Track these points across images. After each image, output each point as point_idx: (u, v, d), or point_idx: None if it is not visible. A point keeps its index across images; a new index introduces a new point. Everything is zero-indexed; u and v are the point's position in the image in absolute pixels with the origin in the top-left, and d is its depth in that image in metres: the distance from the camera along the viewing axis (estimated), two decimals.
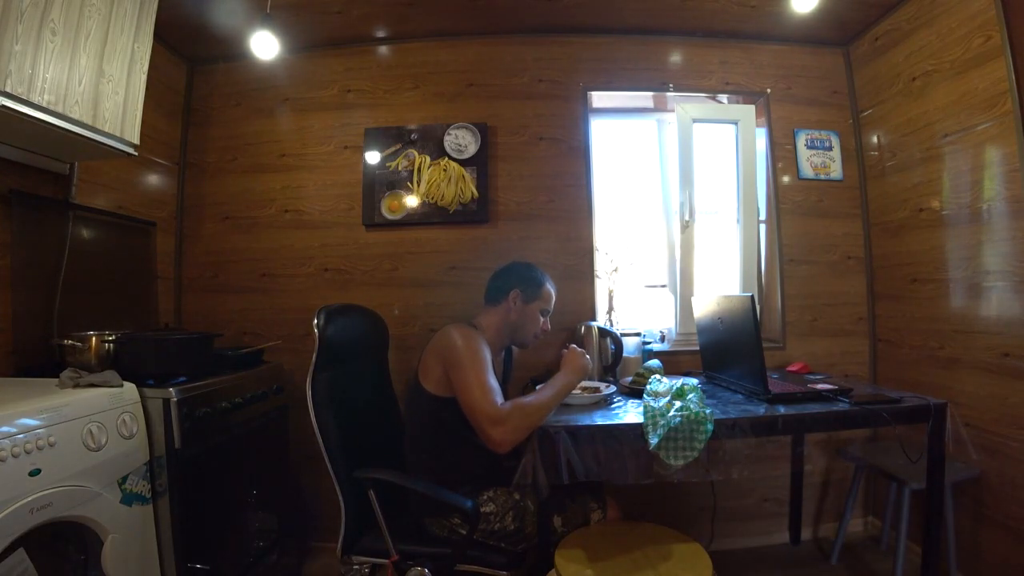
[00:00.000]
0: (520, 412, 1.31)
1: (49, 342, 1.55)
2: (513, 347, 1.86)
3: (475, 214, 2.20)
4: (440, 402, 1.44)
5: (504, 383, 1.73)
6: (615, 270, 2.26)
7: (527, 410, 1.32)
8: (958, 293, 1.85)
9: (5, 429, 0.99)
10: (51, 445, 1.07)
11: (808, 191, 2.28)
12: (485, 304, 1.67)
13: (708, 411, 1.30)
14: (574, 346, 1.57)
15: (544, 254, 2.20)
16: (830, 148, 2.30)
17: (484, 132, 2.23)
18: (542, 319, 1.66)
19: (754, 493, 2.24)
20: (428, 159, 2.21)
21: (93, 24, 1.40)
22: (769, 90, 2.30)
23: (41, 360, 1.53)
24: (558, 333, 2.15)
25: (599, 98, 2.33)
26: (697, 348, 1.98)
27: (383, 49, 2.31)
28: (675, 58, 2.31)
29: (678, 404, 1.32)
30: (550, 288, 1.68)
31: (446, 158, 2.21)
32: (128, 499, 1.27)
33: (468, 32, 2.26)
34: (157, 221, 2.12)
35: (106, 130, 1.47)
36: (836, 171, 2.30)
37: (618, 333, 1.94)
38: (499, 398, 1.34)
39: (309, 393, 1.41)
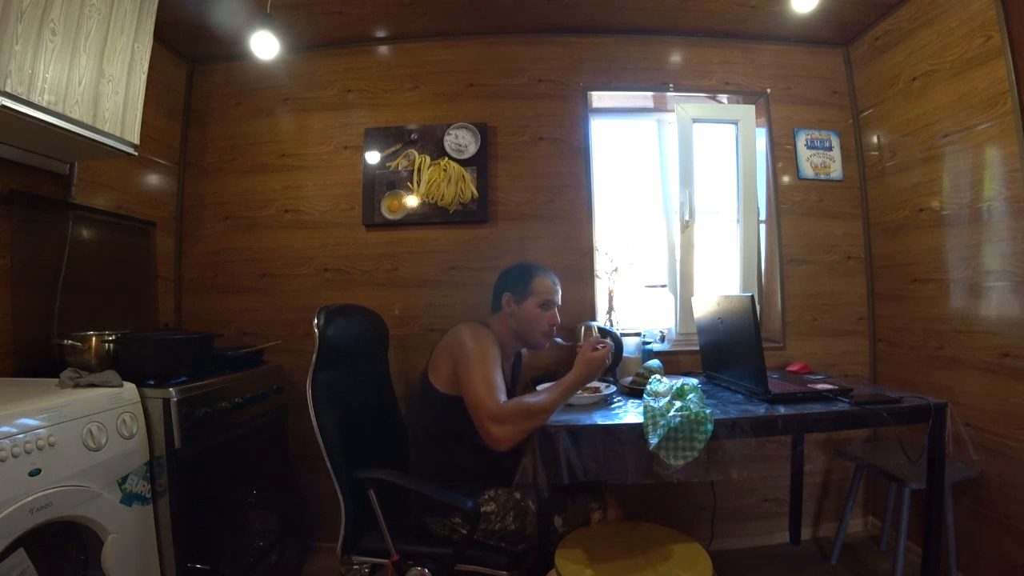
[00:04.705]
0: (522, 412, 1.31)
1: (49, 342, 1.55)
2: (523, 352, 1.83)
3: (475, 214, 2.20)
4: (447, 400, 1.44)
5: (512, 387, 1.72)
6: (615, 270, 2.25)
7: (531, 410, 1.32)
8: (958, 293, 1.85)
9: (5, 429, 0.99)
10: (51, 445, 1.07)
11: (808, 191, 2.28)
12: (491, 313, 1.65)
13: (708, 411, 1.30)
14: (595, 338, 1.47)
15: (544, 254, 2.19)
16: (830, 148, 2.30)
17: (484, 132, 2.23)
18: (546, 313, 1.57)
19: (754, 493, 2.24)
20: (428, 159, 2.21)
21: (93, 24, 1.41)
22: (769, 90, 2.30)
23: (41, 360, 1.53)
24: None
25: (599, 98, 2.33)
26: (697, 348, 1.98)
27: (383, 49, 2.31)
28: (675, 58, 2.31)
29: (678, 404, 1.32)
30: (544, 279, 1.58)
31: (446, 158, 2.21)
32: (128, 499, 1.27)
33: (468, 32, 2.26)
34: (157, 221, 2.12)
35: (106, 130, 1.47)
36: (836, 171, 2.30)
37: (618, 333, 1.93)
38: (503, 396, 1.34)
39: (309, 393, 1.41)
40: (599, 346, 1.42)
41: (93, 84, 1.42)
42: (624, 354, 1.90)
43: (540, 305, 1.56)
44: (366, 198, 2.23)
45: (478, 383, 1.34)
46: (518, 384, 1.85)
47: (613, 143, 2.45)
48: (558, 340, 1.85)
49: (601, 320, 2.21)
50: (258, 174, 2.30)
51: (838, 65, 2.33)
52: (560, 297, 1.64)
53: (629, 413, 1.44)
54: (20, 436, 1.01)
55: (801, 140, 2.29)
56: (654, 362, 1.75)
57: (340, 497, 1.40)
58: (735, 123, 2.37)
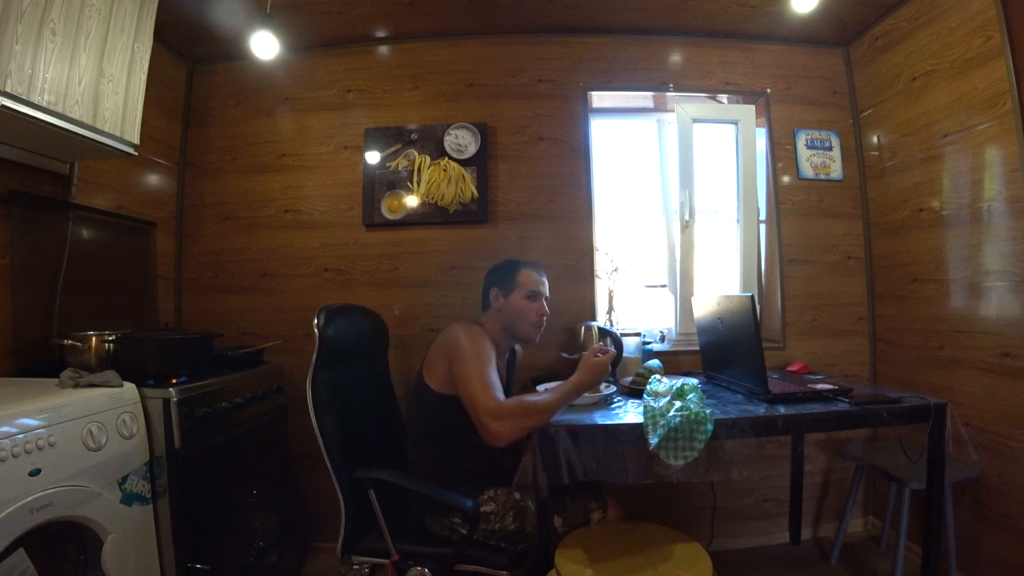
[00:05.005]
0: (522, 409, 1.31)
1: (49, 342, 1.55)
2: (517, 349, 1.85)
3: (475, 214, 2.20)
4: (443, 400, 1.44)
5: (508, 385, 1.72)
6: (615, 270, 2.25)
7: (530, 409, 1.32)
8: (958, 293, 1.85)
9: (5, 429, 0.99)
10: (51, 445, 1.07)
11: (808, 191, 2.28)
12: (482, 312, 1.67)
13: (708, 411, 1.30)
14: (603, 347, 1.47)
15: (544, 254, 2.19)
16: (830, 148, 2.30)
17: (484, 132, 2.23)
18: (533, 304, 1.58)
19: (754, 493, 2.24)
20: (428, 159, 2.21)
21: (93, 24, 1.41)
22: (769, 90, 2.30)
23: (41, 360, 1.53)
24: (557, 334, 2.15)
25: (599, 98, 2.33)
26: (697, 348, 1.98)
27: (383, 49, 2.31)
28: (675, 58, 2.31)
29: (678, 404, 1.32)
30: (529, 271, 1.60)
31: (446, 158, 2.21)
32: (128, 499, 1.27)
33: (468, 32, 2.26)
34: (157, 221, 2.12)
35: (106, 130, 1.47)
36: (836, 171, 2.30)
37: (618, 333, 1.93)
38: (500, 394, 1.34)
39: (309, 393, 1.41)
40: (600, 354, 1.42)
41: (93, 84, 1.42)
42: (624, 354, 1.90)
43: (527, 296, 1.57)
44: (366, 198, 2.23)
45: (474, 381, 1.34)
46: (513, 381, 1.86)
47: (613, 143, 2.45)
48: (564, 355, 1.89)
49: (601, 320, 2.21)
50: (258, 174, 2.30)
51: (838, 65, 2.33)
52: (547, 288, 1.64)
53: (629, 413, 1.44)
54: (20, 436, 1.01)
55: (801, 140, 2.29)
56: (654, 362, 1.75)
57: (340, 497, 1.40)
58: (735, 123, 2.37)
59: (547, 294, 1.63)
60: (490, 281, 1.63)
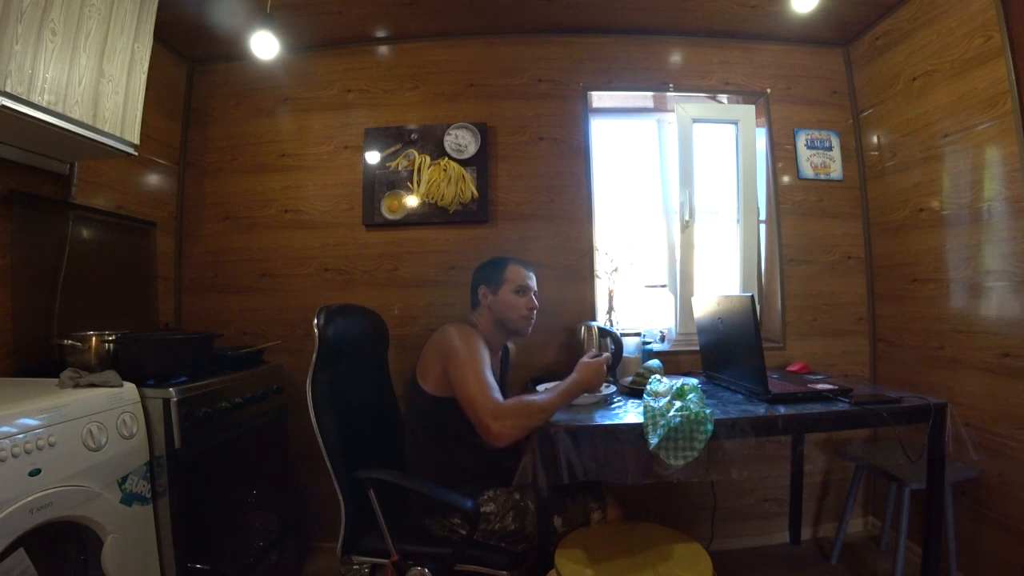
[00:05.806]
0: (522, 409, 1.31)
1: (49, 342, 1.55)
2: (510, 348, 1.85)
3: (475, 214, 2.20)
4: (439, 402, 1.44)
5: (502, 383, 1.72)
6: (615, 270, 2.25)
7: (529, 408, 1.32)
8: (958, 293, 1.85)
9: (5, 429, 0.99)
10: (51, 445, 1.07)
11: (808, 191, 2.28)
12: (472, 311, 1.67)
13: (708, 411, 1.30)
14: (597, 353, 1.50)
15: (544, 254, 2.19)
16: (830, 148, 2.30)
17: (484, 132, 2.23)
18: (522, 298, 1.58)
19: (754, 493, 2.24)
20: (428, 159, 2.21)
21: (93, 24, 1.41)
22: (769, 90, 2.30)
23: (41, 360, 1.53)
24: (557, 333, 2.15)
25: (599, 98, 2.33)
26: (697, 348, 1.98)
27: (383, 49, 2.31)
28: (675, 58, 2.31)
29: (678, 404, 1.32)
30: (516, 266, 1.60)
31: (446, 158, 2.21)
32: (128, 499, 1.27)
33: (468, 32, 2.26)
34: (157, 221, 2.12)
35: (106, 130, 1.47)
36: (836, 171, 2.30)
37: (618, 333, 1.93)
38: (498, 394, 1.34)
39: (309, 393, 1.41)
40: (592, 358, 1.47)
41: (93, 84, 1.42)
42: (624, 354, 1.90)
43: (515, 291, 1.58)
44: (366, 198, 2.23)
45: (471, 381, 1.34)
46: (507, 381, 1.86)
47: (613, 143, 2.45)
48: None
49: (601, 320, 2.21)
50: (258, 174, 2.30)
51: (838, 65, 2.33)
52: (535, 283, 1.64)
53: (629, 413, 1.44)
54: (20, 436, 1.01)
55: (801, 140, 2.29)
56: (654, 362, 1.75)
57: (340, 497, 1.40)
58: (735, 123, 2.37)
59: (535, 288, 1.64)
60: (478, 279, 1.64)
